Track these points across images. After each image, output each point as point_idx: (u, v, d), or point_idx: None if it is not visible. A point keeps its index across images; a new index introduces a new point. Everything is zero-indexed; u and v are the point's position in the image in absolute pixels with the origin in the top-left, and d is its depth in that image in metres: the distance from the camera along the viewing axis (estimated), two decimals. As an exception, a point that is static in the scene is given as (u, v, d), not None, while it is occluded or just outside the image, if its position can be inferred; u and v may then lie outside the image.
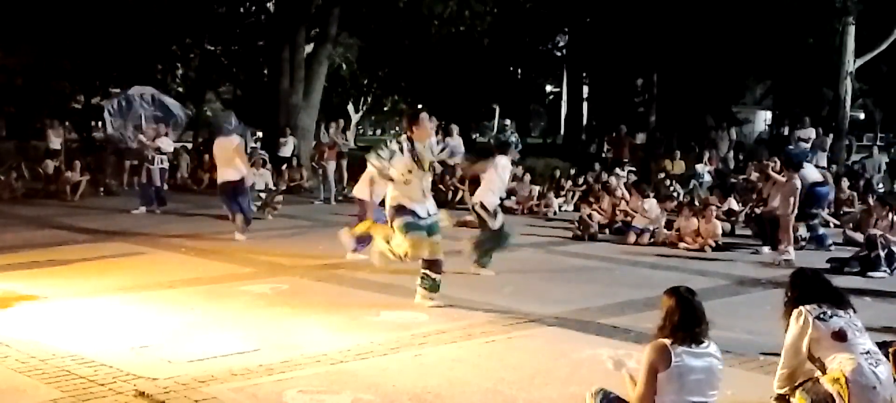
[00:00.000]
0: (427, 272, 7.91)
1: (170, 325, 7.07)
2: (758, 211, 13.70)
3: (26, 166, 19.25)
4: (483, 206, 9.73)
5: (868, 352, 4.57)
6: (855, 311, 4.87)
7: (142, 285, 8.64)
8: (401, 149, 7.73)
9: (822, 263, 10.77)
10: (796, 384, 4.80)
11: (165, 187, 16.50)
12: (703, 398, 4.39)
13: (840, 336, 4.60)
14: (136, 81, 28.20)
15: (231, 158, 12.29)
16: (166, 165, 16.28)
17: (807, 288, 4.90)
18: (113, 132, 19.11)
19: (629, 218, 13.56)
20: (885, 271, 10.34)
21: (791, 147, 19.77)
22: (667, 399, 4.35)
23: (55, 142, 19.51)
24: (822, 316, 4.68)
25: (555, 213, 16.49)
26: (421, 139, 7.81)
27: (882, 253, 10.49)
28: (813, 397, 4.62)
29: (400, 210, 7.76)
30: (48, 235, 12.25)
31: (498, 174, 9.82)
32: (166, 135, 16.92)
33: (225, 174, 12.34)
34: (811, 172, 12.96)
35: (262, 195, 15.59)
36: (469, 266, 9.76)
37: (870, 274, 10.27)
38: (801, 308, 4.76)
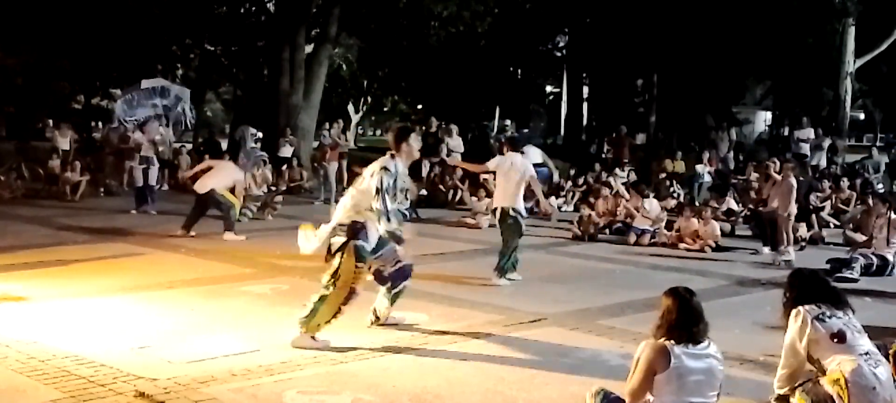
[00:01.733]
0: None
1: (170, 325, 7.08)
2: (760, 210, 13.68)
3: (26, 166, 19.22)
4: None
5: (867, 353, 4.57)
6: (853, 312, 4.87)
7: (142, 285, 8.65)
8: (386, 176, 6.70)
9: (822, 263, 10.76)
10: (796, 384, 4.79)
11: (157, 187, 16.41)
12: (702, 398, 4.39)
13: (839, 337, 4.60)
14: (136, 81, 28.26)
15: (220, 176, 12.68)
16: (148, 165, 15.78)
17: (805, 289, 4.90)
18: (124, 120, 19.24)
19: (629, 219, 13.56)
20: (854, 274, 10.26)
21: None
22: (666, 399, 4.35)
23: (63, 143, 19.43)
24: (820, 316, 4.68)
25: (555, 214, 16.49)
26: (407, 161, 7.01)
27: (862, 261, 10.48)
28: (813, 398, 4.62)
29: (357, 229, 6.69)
30: (48, 235, 12.25)
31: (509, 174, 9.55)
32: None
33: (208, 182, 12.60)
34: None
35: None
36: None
37: (837, 274, 10.14)
38: (799, 308, 4.76)
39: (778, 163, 13.03)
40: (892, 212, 11.19)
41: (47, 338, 6.45)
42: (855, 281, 9.93)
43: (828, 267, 10.46)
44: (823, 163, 20.61)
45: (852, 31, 24.36)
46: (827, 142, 21.53)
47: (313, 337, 6.53)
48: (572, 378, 5.79)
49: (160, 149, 16.73)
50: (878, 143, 31.42)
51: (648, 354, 4.41)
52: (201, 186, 12.53)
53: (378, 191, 6.61)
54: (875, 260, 10.64)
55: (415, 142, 7.08)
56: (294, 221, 14.46)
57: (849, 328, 4.66)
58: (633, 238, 12.96)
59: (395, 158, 6.87)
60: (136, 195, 15.67)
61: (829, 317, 4.68)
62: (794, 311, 4.78)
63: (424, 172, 19.03)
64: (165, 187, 19.32)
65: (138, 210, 15.14)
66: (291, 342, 6.49)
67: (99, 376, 5.61)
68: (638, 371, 4.44)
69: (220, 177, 12.72)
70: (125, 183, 18.96)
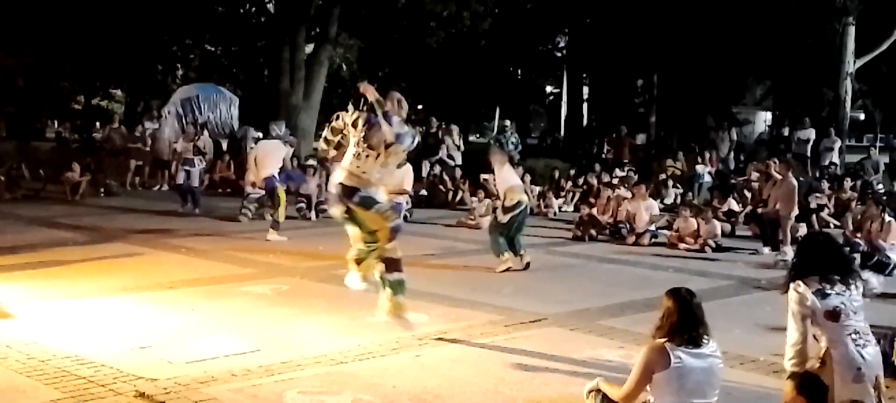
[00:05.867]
0: (388, 276, 6.63)
1: (170, 325, 7.08)
2: (759, 211, 13.69)
3: (26, 166, 19.21)
4: None
5: (857, 332, 4.53)
6: (860, 284, 4.77)
7: (142, 285, 8.65)
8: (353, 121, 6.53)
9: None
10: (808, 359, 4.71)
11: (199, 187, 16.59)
12: (703, 399, 4.40)
13: (833, 315, 4.54)
14: (136, 81, 28.18)
15: (268, 161, 12.67)
16: (189, 166, 16.13)
17: (815, 255, 4.74)
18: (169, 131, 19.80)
19: (629, 219, 13.55)
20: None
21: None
22: (667, 400, 4.35)
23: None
24: (819, 291, 4.60)
25: (555, 214, 16.49)
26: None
27: (857, 256, 10.53)
28: (799, 379, 4.62)
29: (352, 191, 6.49)
30: (48, 235, 12.25)
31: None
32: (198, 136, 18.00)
33: (263, 172, 12.67)
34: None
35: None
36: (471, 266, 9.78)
37: None
38: (799, 282, 4.66)
39: (778, 163, 13.04)
40: (885, 214, 11.21)
41: (47, 338, 6.45)
42: None
43: None
44: (825, 162, 20.59)
45: (852, 31, 24.30)
46: (837, 144, 21.50)
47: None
48: (572, 378, 5.79)
49: (204, 151, 17.29)
50: (878, 144, 31.40)
51: (647, 355, 4.41)
52: (260, 175, 12.66)
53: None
54: (878, 255, 10.69)
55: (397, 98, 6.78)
56: (294, 222, 14.50)
57: (845, 305, 4.59)
58: (632, 238, 12.96)
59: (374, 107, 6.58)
60: (180, 194, 15.95)
61: (828, 293, 4.60)
62: (793, 285, 4.67)
63: (425, 172, 19.02)
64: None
65: (183, 209, 15.29)
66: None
67: (99, 376, 5.61)
68: (634, 371, 4.45)
69: (271, 162, 12.72)
70: (127, 183, 19.06)
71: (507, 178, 10.61)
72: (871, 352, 4.53)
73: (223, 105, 21.69)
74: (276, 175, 12.63)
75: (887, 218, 11.14)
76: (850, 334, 4.51)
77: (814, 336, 4.65)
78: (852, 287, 4.69)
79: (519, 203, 10.29)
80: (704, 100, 27.86)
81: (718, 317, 6.27)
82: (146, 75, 27.80)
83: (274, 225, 12.25)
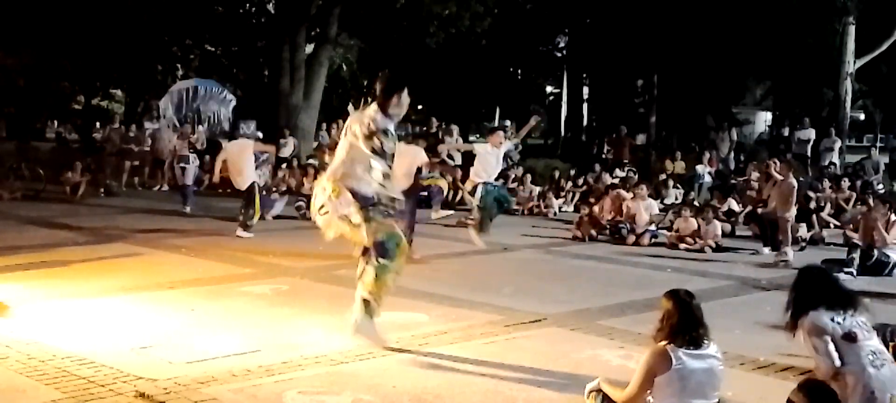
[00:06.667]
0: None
1: (170, 325, 7.07)
2: (759, 211, 13.69)
3: (26, 166, 19.23)
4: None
5: (874, 353, 4.55)
6: (860, 310, 4.80)
7: (142, 285, 8.64)
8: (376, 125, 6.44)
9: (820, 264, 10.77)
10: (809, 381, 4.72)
11: (193, 186, 16.70)
12: (704, 399, 4.40)
13: (851, 337, 4.56)
14: (136, 81, 28.17)
15: (241, 164, 12.61)
16: (185, 164, 16.68)
17: (815, 289, 4.77)
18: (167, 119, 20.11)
19: (630, 219, 13.55)
20: (851, 272, 10.30)
21: None
22: (668, 401, 4.36)
23: None
24: (835, 318, 4.61)
25: (555, 214, 16.50)
26: (397, 115, 6.60)
27: (856, 256, 10.55)
28: (815, 396, 4.62)
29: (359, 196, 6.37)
30: (48, 235, 12.25)
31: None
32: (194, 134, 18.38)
33: (237, 182, 12.73)
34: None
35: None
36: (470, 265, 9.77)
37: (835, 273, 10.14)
38: (816, 315, 4.65)
39: (778, 164, 13.05)
40: (893, 213, 11.20)
41: (47, 338, 6.44)
42: (852, 275, 9.97)
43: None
44: (825, 162, 20.61)
45: (852, 31, 24.32)
46: (837, 144, 21.51)
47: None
48: (572, 378, 5.78)
49: (198, 147, 17.75)
50: (878, 144, 31.42)
51: (649, 359, 4.42)
52: (241, 181, 12.67)
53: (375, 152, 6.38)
54: (876, 254, 10.69)
55: (406, 96, 6.59)
56: (294, 222, 14.50)
57: (859, 327, 4.62)
58: (632, 238, 12.95)
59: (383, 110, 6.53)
60: (180, 194, 16.27)
61: (842, 318, 4.61)
62: (810, 319, 4.65)
63: (424, 172, 19.00)
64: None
65: (184, 208, 15.55)
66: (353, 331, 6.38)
67: (99, 376, 5.61)
68: (637, 374, 4.44)
69: (244, 164, 12.62)
70: (124, 182, 19.17)
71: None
72: (887, 373, 4.53)
73: (221, 102, 21.86)
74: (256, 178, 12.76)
75: (893, 217, 11.13)
76: (867, 355, 4.51)
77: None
78: (860, 310, 4.70)
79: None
80: (704, 100, 27.90)
81: (718, 317, 6.27)
82: (146, 75, 27.79)
83: (243, 225, 12.43)
